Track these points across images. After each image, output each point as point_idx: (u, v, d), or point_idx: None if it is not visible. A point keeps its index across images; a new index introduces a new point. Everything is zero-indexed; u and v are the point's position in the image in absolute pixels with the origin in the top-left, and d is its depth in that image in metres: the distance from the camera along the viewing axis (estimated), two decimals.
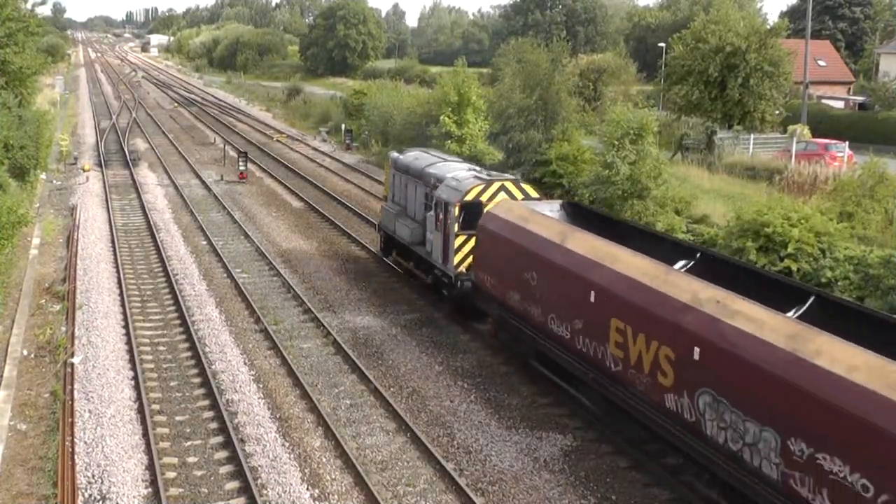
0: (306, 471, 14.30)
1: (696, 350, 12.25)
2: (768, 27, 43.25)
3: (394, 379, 18.15)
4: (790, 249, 21.62)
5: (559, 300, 15.89)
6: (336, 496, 13.57)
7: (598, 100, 48.63)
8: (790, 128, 42.67)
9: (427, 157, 25.00)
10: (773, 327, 11.41)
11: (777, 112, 43.51)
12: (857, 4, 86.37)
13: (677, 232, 25.40)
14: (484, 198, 20.51)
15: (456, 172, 22.30)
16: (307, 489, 13.73)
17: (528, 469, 14.54)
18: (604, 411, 15.53)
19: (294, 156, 49.79)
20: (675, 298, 12.99)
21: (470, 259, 20.24)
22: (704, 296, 12.70)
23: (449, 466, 14.36)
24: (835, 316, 12.24)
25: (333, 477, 14.13)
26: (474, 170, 22.87)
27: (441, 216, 21.30)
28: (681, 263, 15.17)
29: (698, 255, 15.49)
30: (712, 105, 41.89)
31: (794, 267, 21.48)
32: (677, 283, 13.38)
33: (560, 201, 20.82)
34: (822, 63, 68.19)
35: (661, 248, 15.93)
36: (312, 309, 22.09)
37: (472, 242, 19.96)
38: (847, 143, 40.05)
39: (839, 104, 60.24)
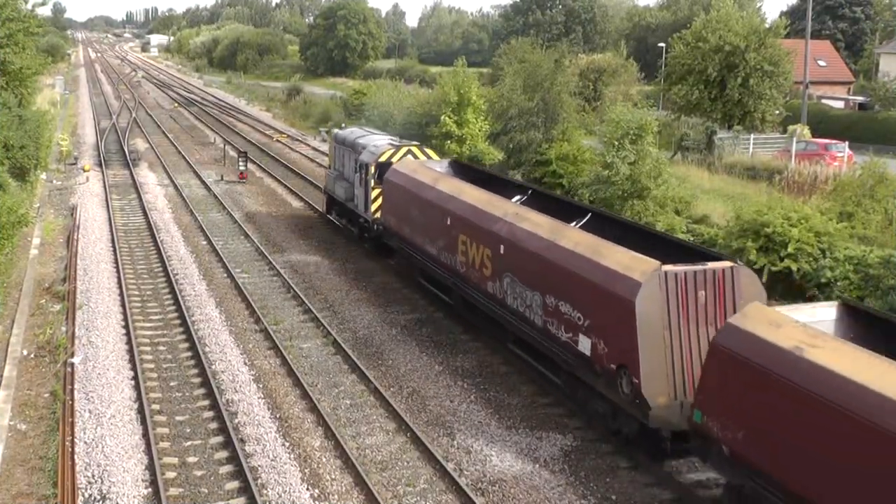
0: (306, 471, 14.30)
1: (502, 247, 18.09)
2: (767, 26, 43.24)
3: (394, 379, 18.16)
4: (790, 249, 21.61)
5: (430, 227, 21.72)
6: (336, 496, 13.58)
7: (598, 100, 48.61)
8: (790, 128, 42.70)
9: (359, 131, 30.88)
10: (544, 226, 17.32)
11: (777, 112, 43.51)
12: (857, 4, 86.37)
13: (677, 232, 25.39)
14: (394, 159, 25.84)
15: (376, 141, 27.91)
16: (307, 489, 13.73)
17: (528, 469, 14.55)
18: (461, 306, 20.98)
19: (294, 156, 49.78)
20: (493, 214, 18.98)
21: None
22: (510, 211, 18.74)
23: (449, 466, 14.36)
24: (604, 225, 17.99)
25: (333, 477, 14.13)
26: (392, 140, 28.25)
27: (363, 175, 26.84)
28: (517, 197, 20.86)
29: (530, 191, 21.67)
30: (712, 105, 41.90)
31: (794, 267, 21.47)
32: (497, 205, 19.37)
33: (449, 160, 26.70)
34: (822, 63, 68.20)
35: (507, 187, 22.20)
36: (312, 309, 22.10)
37: None
38: (847, 143, 40.05)
39: (839, 104, 60.25)
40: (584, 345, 15.23)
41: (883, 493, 9.67)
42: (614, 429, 15.37)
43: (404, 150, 26.40)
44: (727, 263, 14.55)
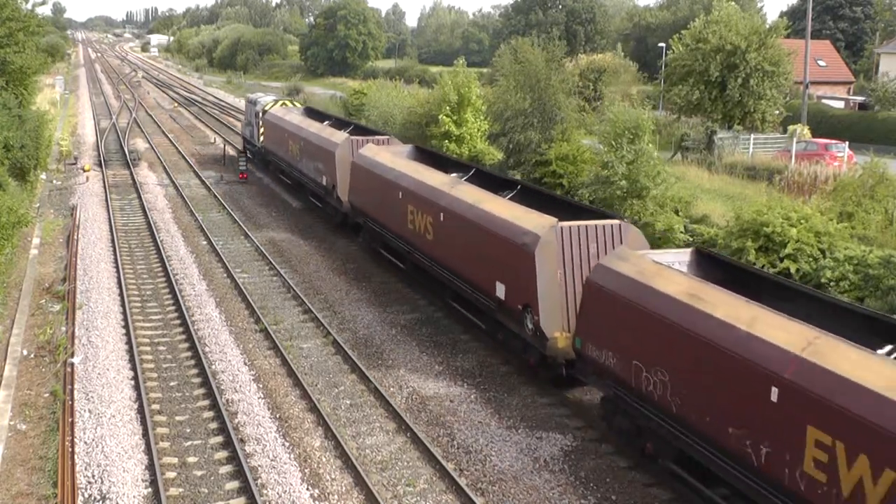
0: (306, 471, 14.31)
1: (302, 142, 33.41)
2: (768, 27, 43.18)
3: (394, 379, 18.16)
4: (789, 250, 21.58)
5: (280, 141, 37.98)
6: (336, 496, 13.58)
7: (599, 100, 48.56)
8: (790, 128, 42.61)
9: (261, 94, 49.43)
10: (316, 128, 33.61)
11: (777, 112, 43.44)
12: (857, 4, 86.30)
13: (676, 232, 25.36)
14: (274, 108, 41.42)
15: (266, 98, 44.72)
16: (307, 489, 13.74)
17: (528, 469, 14.55)
18: (292, 182, 37.47)
19: None
20: (302, 127, 34.50)
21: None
22: (307, 124, 34.66)
23: (449, 466, 14.37)
24: (358, 130, 33.66)
25: (333, 477, 14.14)
26: (276, 98, 45.72)
27: (256, 119, 43.24)
28: (326, 122, 36.11)
29: (333, 118, 37.90)
30: (712, 105, 41.83)
31: (793, 268, 21.43)
32: (306, 123, 35.20)
33: (305, 107, 43.76)
34: (822, 63, 68.15)
35: (325, 118, 37.68)
36: (312, 309, 22.10)
37: None
38: (847, 143, 40.04)
39: (839, 104, 60.20)
40: (325, 181, 30.81)
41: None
42: (337, 221, 30.72)
43: (280, 102, 43.14)
44: (385, 137, 30.46)
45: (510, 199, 19.85)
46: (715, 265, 14.94)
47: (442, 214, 20.58)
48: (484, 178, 22.59)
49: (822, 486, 10.27)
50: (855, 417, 9.84)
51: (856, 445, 9.82)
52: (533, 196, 20.37)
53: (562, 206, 19.42)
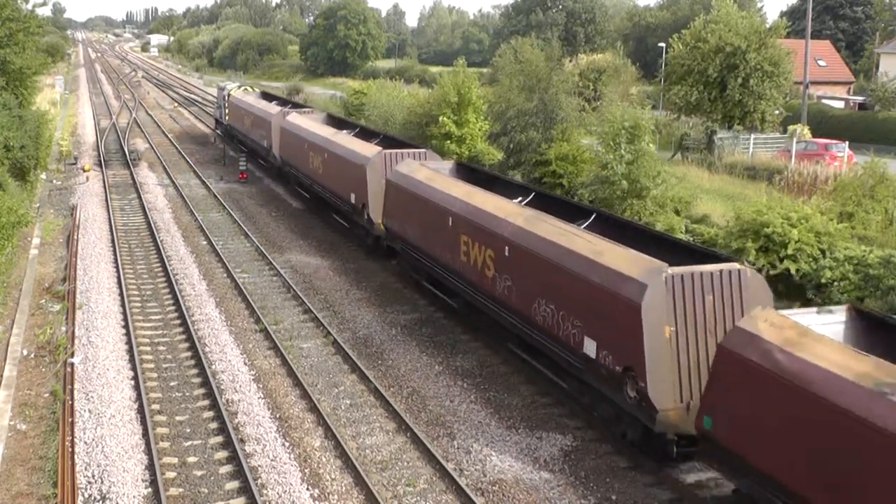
0: (306, 471, 14.31)
1: (254, 117, 43.00)
2: (768, 27, 43.18)
3: (394, 379, 18.16)
4: (790, 250, 21.58)
5: (241, 118, 45.94)
6: (336, 496, 13.58)
7: (599, 100, 48.53)
8: (790, 128, 42.64)
9: (228, 82, 61.67)
10: (263, 106, 43.31)
11: (777, 112, 43.46)
12: (857, 4, 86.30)
13: (676, 232, 25.36)
14: (236, 93, 49.59)
15: (232, 85, 54.06)
16: (307, 489, 13.74)
17: (528, 469, 14.56)
18: (248, 149, 44.92)
19: None
20: (254, 105, 44.49)
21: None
22: (260, 104, 43.96)
23: (449, 466, 14.37)
24: (296, 109, 42.60)
25: (333, 477, 14.13)
26: (240, 84, 56.72)
27: (224, 102, 51.09)
28: (274, 102, 46.16)
29: (290, 104, 45.11)
30: (712, 105, 41.84)
31: (793, 268, 21.43)
32: (260, 103, 44.44)
33: (260, 91, 52.61)
34: (822, 63, 68.13)
35: (275, 100, 47.30)
36: (312, 309, 22.10)
37: None
38: (847, 143, 40.05)
39: (839, 104, 60.20)
40: (266, 143, 39.69)
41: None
42: (274, 172, 40.43)
43: (242, 87, 52.66)
44: (309, 109, 41.23)
45: (376, 143, 28.86)
46: (468, 171, 24.33)
47: (326, 154, 30.10)
48: (364, 132, 32.74)
49: (466, 265, 19.48)
50: (476, 224, 18.95)
51: (476, 240, 18.99)
52: (391, 141, 30.08)
53: (402, 145, 28.54)
